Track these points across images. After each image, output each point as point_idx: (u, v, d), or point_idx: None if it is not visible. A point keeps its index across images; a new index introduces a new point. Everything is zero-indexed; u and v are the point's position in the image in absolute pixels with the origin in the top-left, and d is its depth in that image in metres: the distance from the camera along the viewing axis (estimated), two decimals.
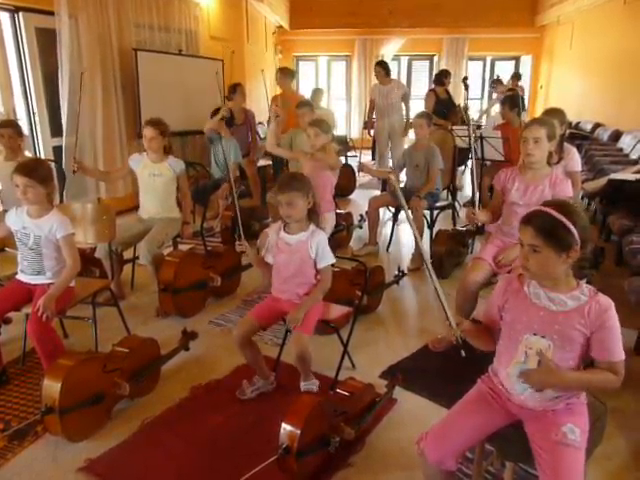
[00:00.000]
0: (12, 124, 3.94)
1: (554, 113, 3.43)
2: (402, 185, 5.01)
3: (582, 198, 5.32)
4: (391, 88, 6.89)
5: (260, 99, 6.68)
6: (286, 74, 6.53)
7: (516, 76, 8.49)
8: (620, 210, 4.38)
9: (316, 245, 2.46)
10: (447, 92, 7.20)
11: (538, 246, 1.54)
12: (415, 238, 4.42)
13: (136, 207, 3.85)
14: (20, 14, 4.95)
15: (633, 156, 5.89)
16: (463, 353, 1.69)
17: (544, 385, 1.60)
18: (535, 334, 1.61)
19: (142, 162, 3.68)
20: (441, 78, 7.13)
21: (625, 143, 6.41)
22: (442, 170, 4.61)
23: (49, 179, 2.60)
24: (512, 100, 5.09)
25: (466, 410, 1.74)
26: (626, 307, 3.08)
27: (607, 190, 4.68)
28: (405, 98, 6.97)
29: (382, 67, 6.81)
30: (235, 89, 6.03)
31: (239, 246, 2.62)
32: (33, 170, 2.53)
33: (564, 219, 1.52)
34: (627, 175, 4.72)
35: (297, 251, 2.46)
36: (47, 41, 5.16)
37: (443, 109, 6.99)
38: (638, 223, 4.01)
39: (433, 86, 7.35)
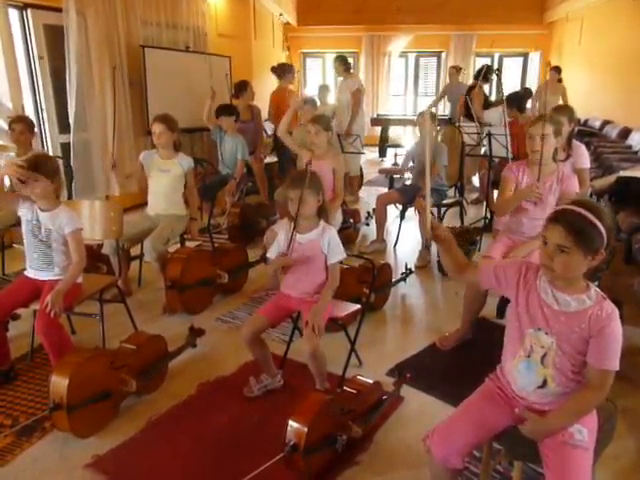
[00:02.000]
0: (24, 119, 3.97)
1: (563, 110, 3.42)
2: (408, 182, 4.99)
3: (590, 196, 5.28)
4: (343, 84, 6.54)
5: (267, 95, 6.67)
6: (288, 70, 6.52)
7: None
8: (629, 208, 4.34)
9: (328, 240, 2.45)
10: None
11: (567, 247, 1.47)
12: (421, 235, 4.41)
13: (146, 204, 3.85)
14: (28, 11, 4.96)
15: None
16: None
17: (541, 434, 1.57)
18: (539, 329, 1.59)
19: (152, 158, 3.70)
20: (487, 74, 6.65)
21: (634, 140, 6.36)
22: (445, 167, 4.60)
23: (56, 174, 2.61)
24: (513, 98, 5.14)
25: (473, 408, 1.73)
26: (635, 306, 3.06)
27: (616, 188, 4.64)
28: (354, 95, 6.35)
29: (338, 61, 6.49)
30: (245, 87, 6.03)
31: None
32: (41, 164, 2.53)
33: (595, 220, 1.46)
34: (636, 172, 4.67)
35: (309, 250, 2.45)
36: (55, 38, 5.17)
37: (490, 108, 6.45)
38: None
39: (475, 82, 6.73)
